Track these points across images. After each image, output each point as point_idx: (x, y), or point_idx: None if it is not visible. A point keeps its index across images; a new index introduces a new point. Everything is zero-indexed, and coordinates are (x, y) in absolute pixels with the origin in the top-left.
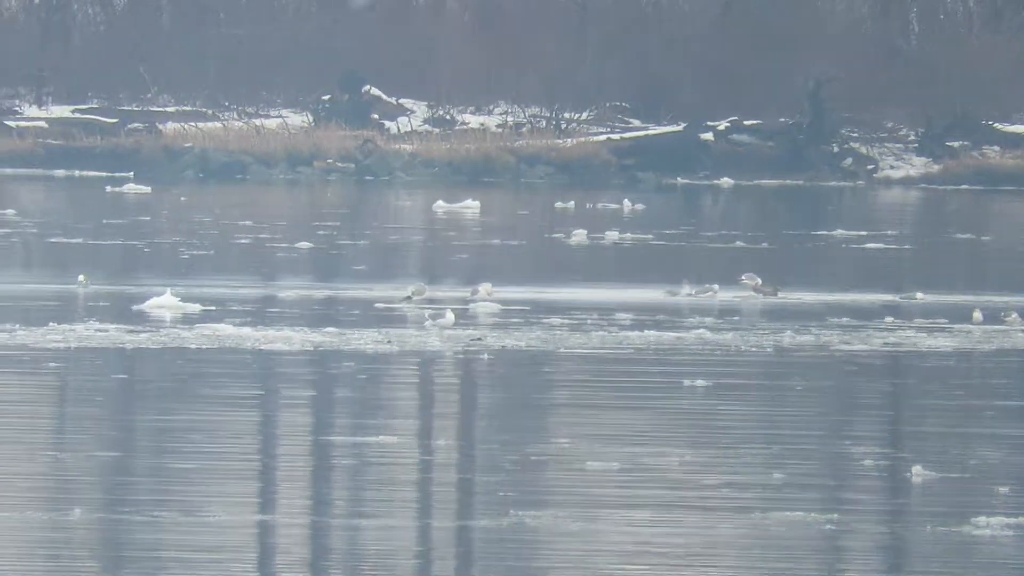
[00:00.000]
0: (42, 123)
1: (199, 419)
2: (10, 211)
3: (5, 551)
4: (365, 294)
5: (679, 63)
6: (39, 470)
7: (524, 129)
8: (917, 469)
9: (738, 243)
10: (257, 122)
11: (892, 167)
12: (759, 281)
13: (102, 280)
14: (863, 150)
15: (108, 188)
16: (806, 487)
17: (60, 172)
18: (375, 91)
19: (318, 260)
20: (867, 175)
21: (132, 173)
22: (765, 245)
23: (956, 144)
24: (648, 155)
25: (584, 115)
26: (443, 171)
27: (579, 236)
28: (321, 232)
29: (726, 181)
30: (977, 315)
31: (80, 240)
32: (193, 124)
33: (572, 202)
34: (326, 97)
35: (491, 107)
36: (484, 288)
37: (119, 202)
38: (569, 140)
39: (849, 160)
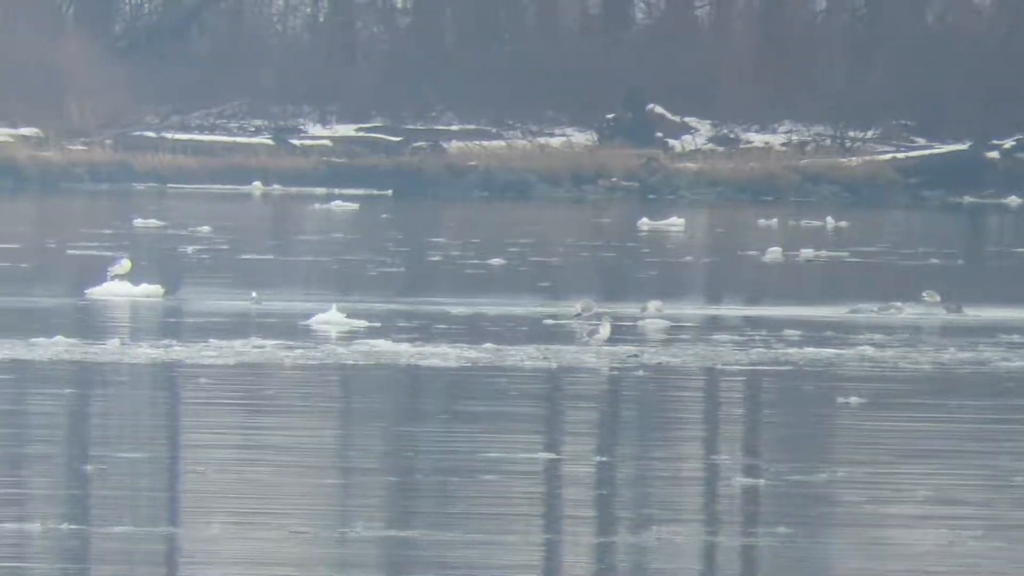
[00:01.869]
0: (326, 142)
1: (332, 434)
2: (205, 228)
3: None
4: (537, 311)
5: (964, 80)
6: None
7: (808, 148)
8: None
9: (932, 260)
10: (541, 140)
11: None
12: (939, 298)
13: (276, 296)
14: None
15: (316, 205)
16: (953, 503)
17: (272, 189)
18: (659, 109)
19: (504, 277)
20: None
21: (390, 191)
22: (961, 262)
23: None
24: (933, 174)
25: (869, 134)
26: (727, 190)
27: (774, 253)
28: (513, 249)
29: (1013, 200)
30: None
31: (270, 256)
32: (477, 143)
33: (775, 219)
34: (610, 115)
35: (775, 126)
36: (653, 305)
37: (321, 218)
38: (854, 159)
39: None
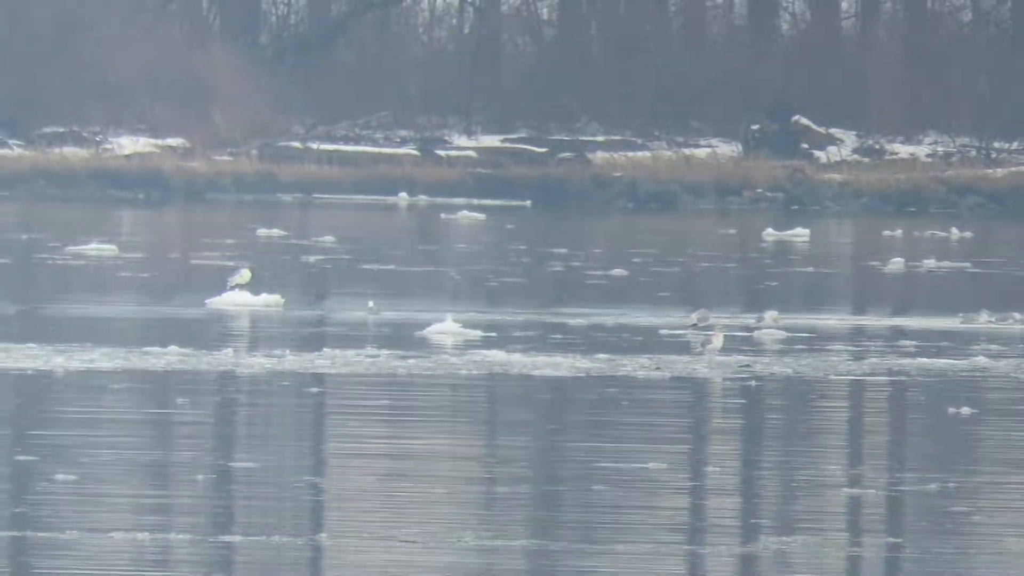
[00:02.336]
0: (471, 152)
1: (449, 445)
2: (329, 238)
3: None
4: (653, 321)
5: None
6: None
7: (953, 159)
8: None
9: None
10: (686, 151)
11: None
12: None
13: (394, 306)
14: None
15: (442, 215)
16: None
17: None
18: (804, 121)
19: (623, 287)
20: None
21: (528, 202)
22: None
23: None
24: None
25: (1014, 145)
26: (871, 201)
27: (896, 264)
28: (636, 260)
29: None
30: None
31: (391, 267)
32: (622, 153)
33: (899, 230)
34: (755, 127)
35: (920, 136)
36: (769, 315)
37: (448, 229)
38: (999, 170)
39: None
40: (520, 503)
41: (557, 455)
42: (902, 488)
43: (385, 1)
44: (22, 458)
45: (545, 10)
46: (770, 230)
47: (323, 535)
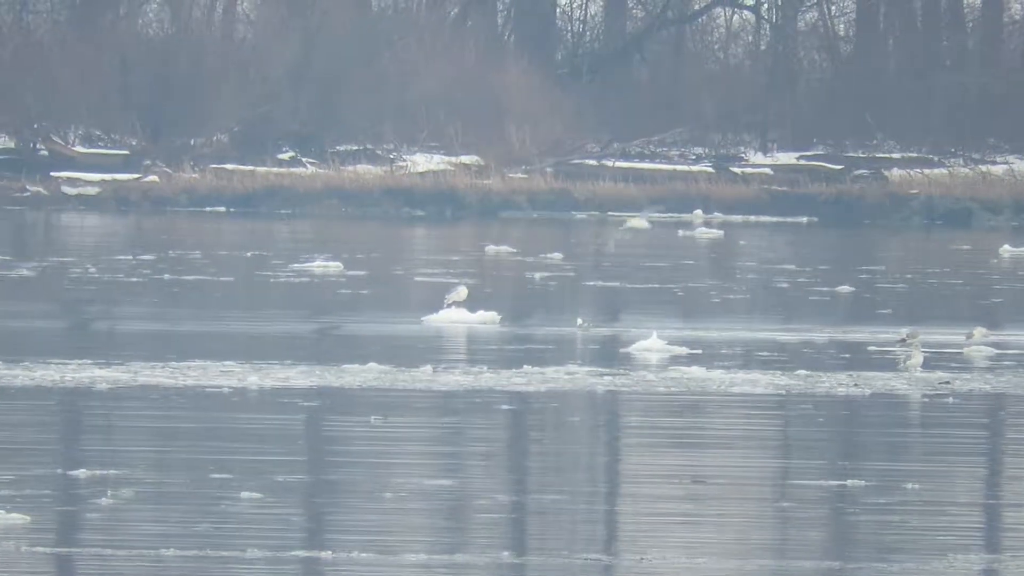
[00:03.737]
0: (767, 170)
1: (632, 460)
2: (557, 254)
3: None
4: (864, 337)
5: None
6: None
7: None
8: None
9: None
10: (983, 168)
11: None
12: None
13: (606, 322)
14: None
15: (680, 232)
16: None
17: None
18: None
19: (846, 304)
20: None
21: (805, 219)
22: None
23: None
24: None
25: None
26: None
27: None
28: (864, 276)
29: None
30: None
31: (616, 283)
32: (919, 171)
33: None
34: None
35: None
36: (979, 332)
37: (681, 245)
38: None
39: None
40: (755, 521)
41: (751, 472)
42: None
43: (680, 18)
44: (216, 476)
45: (842, 26)
46: (1007, 246)
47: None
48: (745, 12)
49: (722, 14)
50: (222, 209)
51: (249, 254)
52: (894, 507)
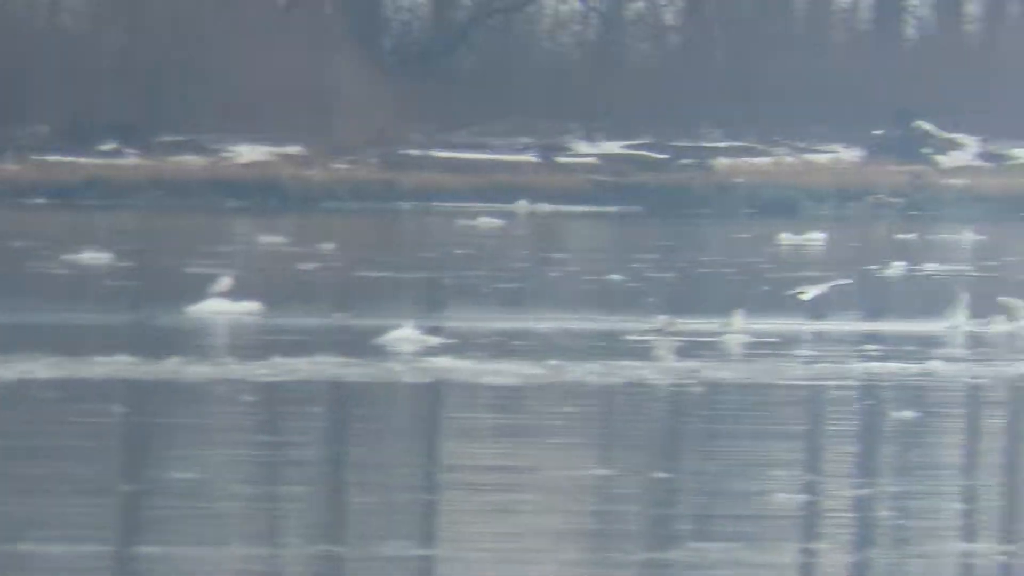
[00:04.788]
0: (592, 159)
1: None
2: (330, 245)
3: None
4: (623, 326)
5: None
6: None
7: None
8: None
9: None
10: (808, 157)
11: None
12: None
13: (362, 314)
14: None
15: (459, 221)
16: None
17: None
18: (926, 125)
19: (613, 292)
20: None
21: (616, 208)
22: None
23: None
24: None
25: None
26: (995, 206)
27: (896, 268)
28: (636, 265)
29: None
30: None
31: (384, 273)
32: (744, 159)
33: (914, 234)
34: (877, 132)
35: None
36: (737, 320)
37: (460, 234)
38: None
39: None
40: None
41: (475, 460)
42: (840, 493)
43: (508, 6)
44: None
45: (669, 15)
46: (786, 234)
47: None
48: (573, 1)
49: (550, 3)
50: (42, 201)
51: (19, 244)
52: (637, 495)
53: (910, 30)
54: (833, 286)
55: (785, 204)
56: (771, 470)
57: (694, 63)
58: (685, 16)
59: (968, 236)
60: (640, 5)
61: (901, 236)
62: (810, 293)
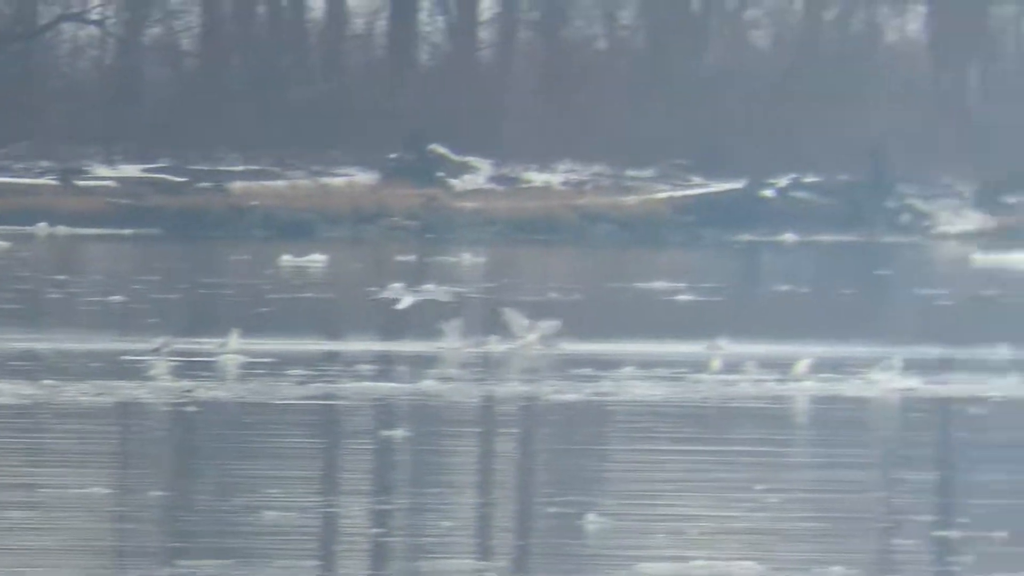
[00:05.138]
0: (111, 183)
1: None
2: None
3: None
4: (120, 347)
5: (740, 120)
6: None
7: (587, 187)
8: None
9: (552, 295)
10: (324, 180)
11: (948, 223)
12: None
13: None
14: (920, 206)
15: None
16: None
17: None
18: (440, 149)
19: (113, 313)
20: (923, 231)
21: (130, 231)
22: (577, 297)
23: (1012, 200)
24: (709, 212)
25: (646, 173)
26: (505, 228)
27: (395, 290)
28: (137, 286)
29: (789, 237)
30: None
31: None
32: (260, 183)
33: (414, 256)
34: (392, 155)
35: (555, 165)
36: (233, 340)
37: None
38: (632, 197)
39: (907, 216)
40: None
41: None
42: (327, 510)
43: (26, 33)
44: None
45: (186, 41)
46: (287, 256)
47: None
48: (91, 27)
49: (69, 29)
50: None
51: None
52: (131, 514)
53: (424, 55)
54: (427, 297)
55: (301, 227)
56: (263, 488)
57: (212, 87)
58: (202, 41)
59: (467, 258)
60: (157, 30)
61: (402, 258)
62: (404, 302)
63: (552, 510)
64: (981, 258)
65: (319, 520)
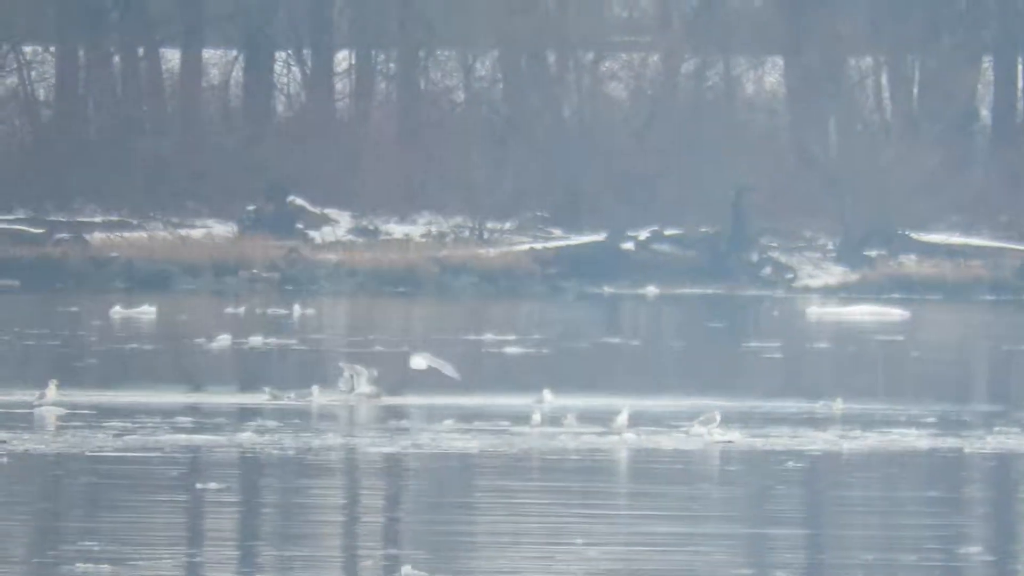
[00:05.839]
0: None
1: None
2: None
3: None
4: None
5: (600, 172)
6: None
7: (448, 239)
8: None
9: (378, 347)
10: (183, 232)
11: (811, 276)
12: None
13: None
14: (782, 259)
15: None
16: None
17: None
18: (300, 201)
19: None
20: (786, 284)
21: (17, 282)
22: (405, 349)
23: (874, 253)
24: (570, 264)
25: (507, 225)
26: (366, 280)
27: (222, 341)
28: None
29: (651, 290)
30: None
31: None
32: (119, 234)
33: (243, 307)
34: (251, 207)
35: (415, 217)
36: (51, 391)
37: None
38: (492, 250)
39: (768, 269)
40: None
41: None
42: (130, 563)
43: None
44: None
45: (42, 91)
46: (118, 307)
47: None
48: None
49: None
50: None
51: None
52: None
53: (280, 106)
54: (445, 366)
55: (161, 278)
56: (75, 540)
57: (68, 138)
58: (57, 92)
59: (297, 310)
60: (12, 80)
61: (231, 310)
62: (423, 363)
63: (368, 563)
64: (818, 311)
65: (129, 571)
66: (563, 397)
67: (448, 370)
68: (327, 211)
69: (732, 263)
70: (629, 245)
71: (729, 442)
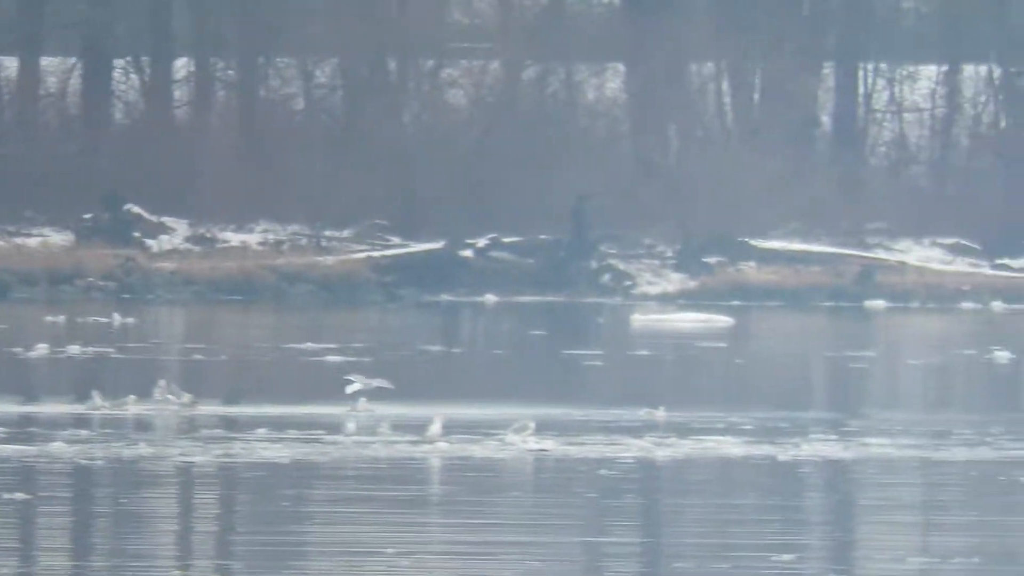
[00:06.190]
0: None
1: None
2: None
3: None
4: None
5: (439, 180)
6: None
7: (285, 247)
8: None
9: (197, 356)
10: (18, 241)
11: (649, 283)
12: (175, 393)
13: None
14: (621, 267)
15: None
16: None
17: None
18: (136, 209)
19: None
20: (624, 291)
21: None
22: (223, 358)
23: (713, 260)
24: (408, 272)
25: (345, 232)
26: (204, 289)
27: (40, 349)
28: None
29: (490, 298)
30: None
31: None
32: None
33: (63, 316)
34: (87, 216)
35: (252, 225)
36: None
37: None
38: (330, 258)
39: (607, 276)
40: None
41: None
42: None
43: None
44: None
45: None
46: None
47: None
48: None
49: None
50: None
51: None
52: None
53: (118, 114)
54: (377, 386)
55: None
56: None
57: None
58: None
59: (118, 318)
60: None
61: (51, 319)
62: (358, 385)
63: (175, 574)
64: (641, 318)
65: None
66: (379, 405)
67: (380, 382)
68: (164, 219)
69: (572, 271)
70: (468, 253)
71: (543, 450)
